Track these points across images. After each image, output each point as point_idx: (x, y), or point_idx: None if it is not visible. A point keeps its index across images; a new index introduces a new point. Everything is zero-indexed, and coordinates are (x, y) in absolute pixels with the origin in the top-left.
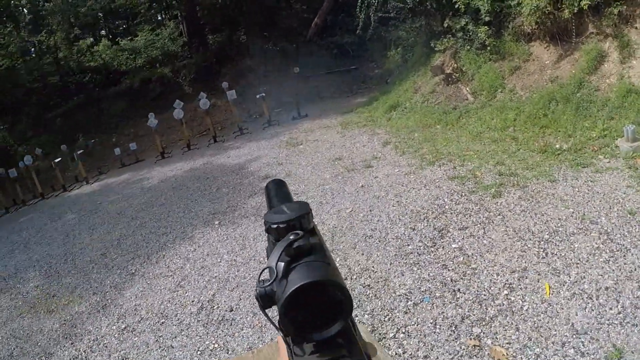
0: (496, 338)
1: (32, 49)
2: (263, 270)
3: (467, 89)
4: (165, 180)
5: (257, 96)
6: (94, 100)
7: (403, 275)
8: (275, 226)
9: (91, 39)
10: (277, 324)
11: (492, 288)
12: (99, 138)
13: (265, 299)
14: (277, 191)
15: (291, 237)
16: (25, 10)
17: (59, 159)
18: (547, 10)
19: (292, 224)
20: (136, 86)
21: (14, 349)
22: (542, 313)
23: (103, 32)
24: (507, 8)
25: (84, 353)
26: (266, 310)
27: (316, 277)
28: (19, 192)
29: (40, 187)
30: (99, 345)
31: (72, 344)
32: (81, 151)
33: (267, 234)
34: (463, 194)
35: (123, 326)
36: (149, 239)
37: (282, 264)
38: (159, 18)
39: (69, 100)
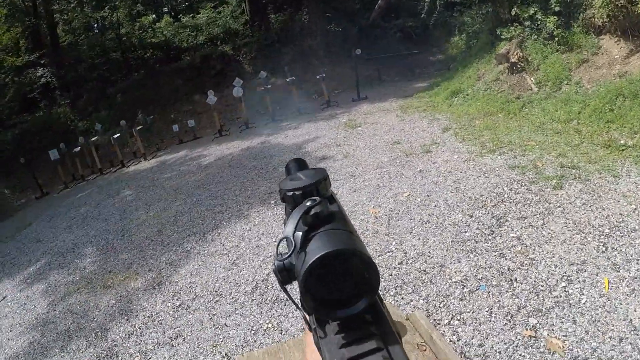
0: (552, 330)
1: (95, 25)
2: (280, 241)
3: (532, 79)
4: (222, 158)
5: (317, 77)
6: (154, 76)
7: (459, 262)
8: (290, 194)
9: (153, 16)
10: (298, 302)
11: (549, 279)
12: (157, 114)
13: (284, 274)
14: (298, 169)
15: (308, 204)
16: None
17: (118, 134)
18: (620, 3)
19: (309, 190)
20: (196, 63)
21: (71, 324)
22: (600, 307)
23: (165, 9)
24: None
25: (139, 329)
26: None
27: (338, 245)
28: (78, 168)
29: (100, 163)
30: (154, 321)
31: (127, 319)
32: (140, 127)
33: (284, 204)
34: (523, 183)
35: (178, 303)
36: (205, 216)
37: (300, 233)
38: None
39: (130, 76)
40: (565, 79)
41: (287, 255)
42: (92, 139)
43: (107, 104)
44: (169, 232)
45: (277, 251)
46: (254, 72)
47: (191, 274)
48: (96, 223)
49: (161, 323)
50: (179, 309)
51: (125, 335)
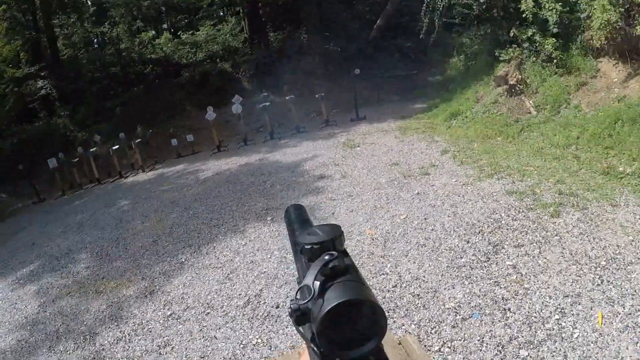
0: None
1: (95, 40)
2: (299, 288)
3: (531, 102)
4: (220, 173)
5: (316, 96)
6: (154, 91)
7: (454, 288)
8: (309, 247)
9: (153, 32)
10: (310, 341)
11: (543, 311)
12: (156, 128)
13: (300, 316)
14: (298, 216)
15: (326, 257)
16: (90, 2)
17: (117, 146)
18: (618, 25)
19: (326, 245)
20: (196, 79)
21: (60, 325)
22: (592, 342)
23: (165, 25)
24: (576, 20)
25: (128, 336)
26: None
27: (353, 295)
28: (76, 177)
29: (97, 173)
30: (144, 329)
31: (117, 325)
32: (139, 140)
33: (299, 255)
34: (521, 210)
35: (169, 313)
36: (201, 229)
37: (318, 283)
38: (221, 14)
39: (129, 90)
40: (564, 102)
41: (305, 301)
42: (91, 150)
43: (106, 117)
44: (164, 243)
45: (296, 296)
46: (253, 90)
47: (184, 285)
48: (92, 230)
49: (150, 331)
50: (170, 319)
51: (114, 340)
